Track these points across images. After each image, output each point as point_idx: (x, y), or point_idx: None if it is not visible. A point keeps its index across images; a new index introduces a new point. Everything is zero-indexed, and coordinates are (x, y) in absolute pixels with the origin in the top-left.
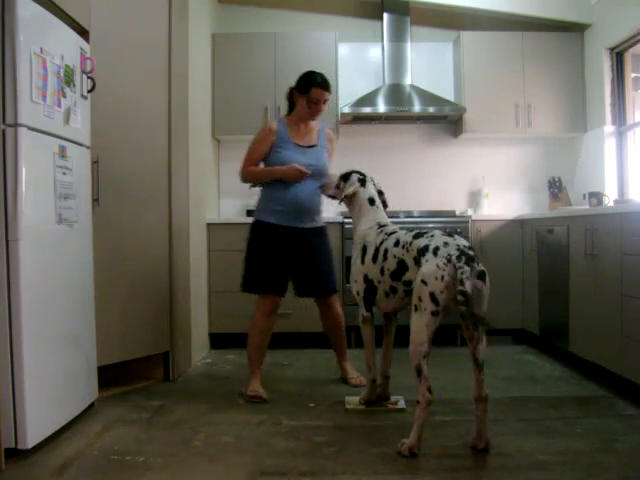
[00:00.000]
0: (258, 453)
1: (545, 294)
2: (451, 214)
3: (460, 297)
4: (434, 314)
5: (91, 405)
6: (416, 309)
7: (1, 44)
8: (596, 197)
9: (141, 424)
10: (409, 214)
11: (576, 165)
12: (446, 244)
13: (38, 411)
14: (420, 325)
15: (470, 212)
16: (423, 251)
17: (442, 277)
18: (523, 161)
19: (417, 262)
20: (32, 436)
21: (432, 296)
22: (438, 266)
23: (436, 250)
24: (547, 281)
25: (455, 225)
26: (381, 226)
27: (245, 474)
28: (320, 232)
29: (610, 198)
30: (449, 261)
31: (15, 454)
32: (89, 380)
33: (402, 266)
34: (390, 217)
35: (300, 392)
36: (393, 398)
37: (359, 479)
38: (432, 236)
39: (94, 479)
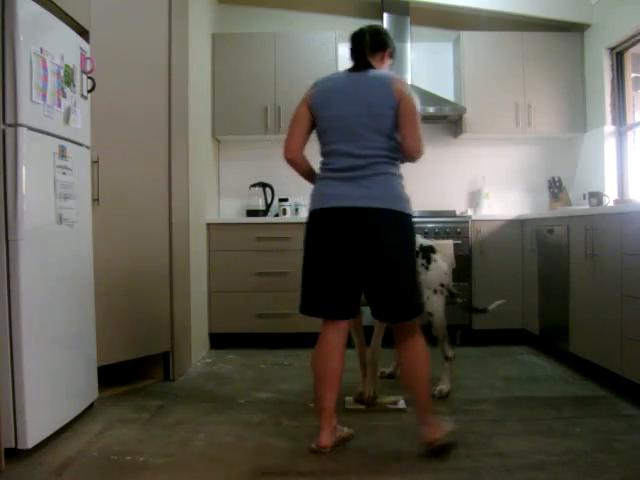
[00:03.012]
0: (258, 453)
1: (545, 294)
2: (451, 214)
3: None
4: None
5: (91, 405)
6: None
7: (1, 44)
8: (596, 197)
9: (141, 424)
10: None
11: (576, 165)
12: None
13: (38, 411)
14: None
15: (470, 212)
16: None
17: None
18: (523, 161)
19: None
20: (32, 436)
21: None
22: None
23: None
24: (547, 281)
25: (455, 225)
26: None
27: (245, 474)
28: None
29: (610, 198)
30: None
31: (15, 454)
32: (89, 380)
33: None
34: None
35: (300, 392)
36: (393, 398)
37: (359, 479)
38: None
39: (94, 479)
